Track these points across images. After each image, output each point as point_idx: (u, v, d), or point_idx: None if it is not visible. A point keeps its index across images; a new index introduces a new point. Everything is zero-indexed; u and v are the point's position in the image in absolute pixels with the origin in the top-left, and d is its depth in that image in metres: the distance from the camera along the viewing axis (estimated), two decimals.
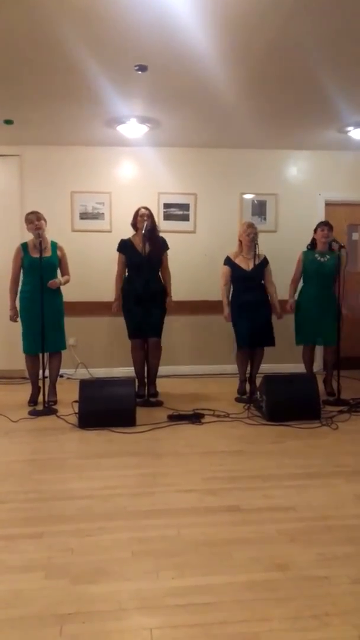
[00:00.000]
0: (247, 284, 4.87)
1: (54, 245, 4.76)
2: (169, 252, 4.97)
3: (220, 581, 2.10)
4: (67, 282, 4.81)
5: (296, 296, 5.09)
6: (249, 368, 5.01)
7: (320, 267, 4.93)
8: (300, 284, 5.10)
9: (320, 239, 4.97)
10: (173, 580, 2.11)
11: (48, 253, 4.67)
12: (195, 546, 2.37)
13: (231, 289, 5.00)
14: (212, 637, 1.78)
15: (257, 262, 4.84)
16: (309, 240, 5.12)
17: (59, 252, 4.77)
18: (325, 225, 5.01)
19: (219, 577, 2.13)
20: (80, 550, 2.34)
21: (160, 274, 4.94)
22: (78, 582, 2.10)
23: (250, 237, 4.84)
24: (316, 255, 4.98)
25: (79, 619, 1.87)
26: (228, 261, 4.98)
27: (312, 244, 5.07)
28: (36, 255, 4.57)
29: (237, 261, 4.93)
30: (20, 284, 4.73)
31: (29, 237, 4.79)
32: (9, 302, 4.73)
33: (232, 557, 2.28)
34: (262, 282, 4.97)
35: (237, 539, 2.43)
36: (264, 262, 4.95)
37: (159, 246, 4.88)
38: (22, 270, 4.71)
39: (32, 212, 4.67)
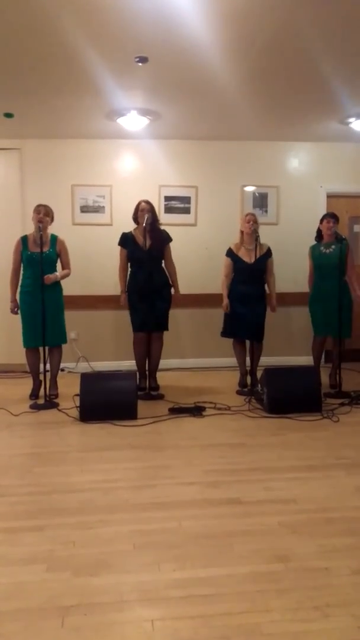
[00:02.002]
0: (249, 276, 4.86)
1: (54, 239, 4.75)
2: (170, 244, 4.96)
3: (221, 573, 2.11)
4: (65, 276, 4.78)
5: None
6: (248, 360, 5.02)
7: (327, 258, 4.93)
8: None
9: (326, 231, 4.97)
10: (174, 572, 2.12)
11: (46, 248, 4.66)
12: (196, 538, 2.37)
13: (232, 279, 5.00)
14: (213, 628, 1.79)
15: (259, 254, 4.83)
16: (311, 233, 5.13)
17: (58, 247, 4.75)
18: (330, 217, 5.00)
19: (220, 569, 2.14)
20: (81, 543, 2.35)
21: (164, 267, 4.94)
22: (80, 575, 2.11)
23: (252, 228, 4.83)
24: (322, 247, 4.99)
25: (80, 611, 1.88)
26: (230, 253, 4.96)
27: (319, 236, 5.07)
28: (35, 249, 4.56)
29: (240, 254, 4.92)
30: (21, 277, 4.73)
31: (29, 229, 4.78)
32: (9, 294, 4.73)
33: (233, 549, 2.29)
34: (263, 274, 4.96)
35: (238, 531, 2.44)
36: (268, 254, 4.94)
37: (161, 240, 4.87)
38: (22, 264, 4.71)
39: (43, 205, 4.67)
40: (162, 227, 4.97)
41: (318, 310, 5.00)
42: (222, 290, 4.98)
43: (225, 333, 5.03)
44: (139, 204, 4.86)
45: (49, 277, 4.58)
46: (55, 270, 4.73)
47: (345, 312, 4.81)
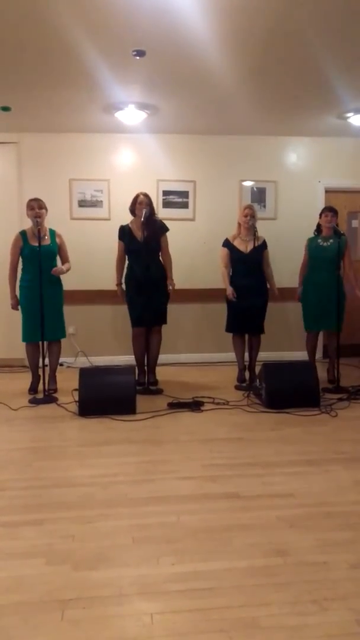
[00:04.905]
0: (245, 266, 4.86)
1: (53, 233, 4.75)
2: (168, 238, 4.94)
3: (219, 567, 2.12)
4: (68, 269, 4.81)
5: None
6: (247, 355, 5.02)
7: (323, 251, 4.93)
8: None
9: (325, 225, 4.97)
10: (173, 566, 2.13)
11: (47, 241, 4.65)
12: (194, 532, 2.39)
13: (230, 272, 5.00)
14: (211, 622, 1.80)
15: (255, 245, 4.82)
16: (309, 227, 5.12)
17: (58, 240, 4.75)
18: (329, 210, 4.99)
19: (219, 563, 2.15)
20: (81, 537, 2.35)
21: (161, 259, 4.93)
22: (79, 568, 2.12)
23: (249, 223, 4.82)
24: (319, 240, 4.99)
25: (80, 605, 1.89)
26: (226, 243, 4.96)
27: (318, 230, 5.07)
28: (35, 243, 4.55)
29: (236, 243, 4.92)
30: (20, 272, 4.72)
31: (27, 224, 4.77)
32: (9, 290, 4.72)
33: (232, 543, 2.30)
34: (260, 265, 4.96)
35: (236, 525, 2.45)
36: (263, 245, 4.94)
37: (157, 231, 4.85)
38: (21, 259, 4.69)
39: (34, 199, 4.65)
40: (159, 219, 4.96)
41: (312, 304, 4.99)
42: (224, 280, 4.93)
43: (229, 328, 5.02)
44: (137, 196, 4.84)
45: (57, 269, 4.62)
46: (56, 264, 4.73)
47: (339, 306, 4.82)
